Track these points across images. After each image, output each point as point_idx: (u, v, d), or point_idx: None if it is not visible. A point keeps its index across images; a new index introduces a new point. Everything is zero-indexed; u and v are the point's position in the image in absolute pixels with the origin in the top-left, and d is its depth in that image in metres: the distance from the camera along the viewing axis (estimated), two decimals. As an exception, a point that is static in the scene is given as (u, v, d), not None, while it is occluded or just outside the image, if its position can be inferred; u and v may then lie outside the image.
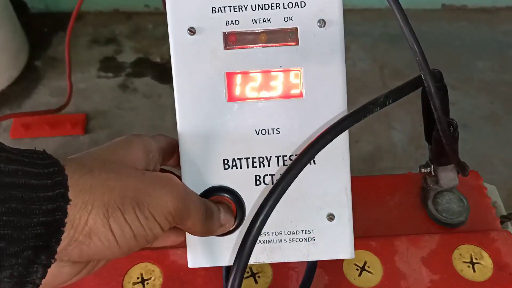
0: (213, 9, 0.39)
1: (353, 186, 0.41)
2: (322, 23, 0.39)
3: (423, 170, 0.48)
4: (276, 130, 0.40)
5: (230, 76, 0.40)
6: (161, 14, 1.52)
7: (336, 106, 0.40)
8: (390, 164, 1.16)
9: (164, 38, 1.46)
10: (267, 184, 0.40)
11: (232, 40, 0.40)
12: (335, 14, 0.39)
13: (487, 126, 1.28)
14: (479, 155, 1.21)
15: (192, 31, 0.39)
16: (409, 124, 1.28)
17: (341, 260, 0.48)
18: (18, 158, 0.27)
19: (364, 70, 1.38)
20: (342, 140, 0.39)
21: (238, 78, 0.40)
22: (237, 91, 0.40)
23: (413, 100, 1.30)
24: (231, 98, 0.40)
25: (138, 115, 1.30)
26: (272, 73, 0.40)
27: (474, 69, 1.39)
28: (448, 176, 0.47)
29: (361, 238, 0.47)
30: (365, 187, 0.53)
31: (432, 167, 0.48)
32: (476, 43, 1.45)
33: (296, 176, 0.34)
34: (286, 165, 0.40)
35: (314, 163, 0.40)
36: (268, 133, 0.40)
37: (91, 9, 1.45)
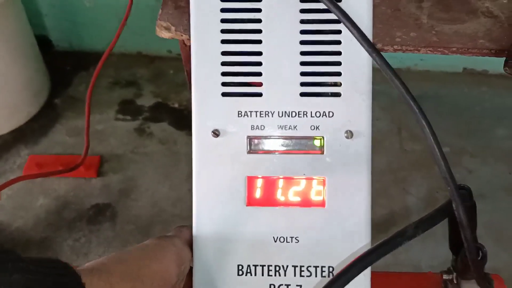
0: (239, 113, 0.39)
1: (371, 283, 0.39)
2: (349, 134, 0.38)
3: (445, 276, 0.47)
4: (295, 238, 0.39)
5: (251, 180, 0.39)
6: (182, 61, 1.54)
7: (359, 219, 0.39)
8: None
9: (183, 85, 1.47)
10: (282, 295, 0.39)
11: (256, 144, 0.39)
12: (363, 126, 0.39)
13: (505, 197, 1.25)
14: (497, 227, 1.18)
15: (216, 133, 0.39)
16: (425, 190, 1.26)
17: None
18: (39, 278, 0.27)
19: (381, 130, 1.36)
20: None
21: (259, 183, 0.39)
22: (258, 196, 0.39)
23: (430, 164, 1.27)
24: (250, 202, 0.39)
25: (152, 161, 1.30)
26: (295, 180, 0.39)
27: (494, 136, 1.37)
28: (471, 290, 0.45)
29: None
30: (383, 285, 0.52)
31: (454, 275, 0.46)
32: (496, 110, 1.43)
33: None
34: (303, 276, 0.39)
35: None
36: (287, 241, 0.39)
37: (115, 50, 1.46)
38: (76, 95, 1.46)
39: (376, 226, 1.17)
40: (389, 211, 1.19)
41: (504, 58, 0.46)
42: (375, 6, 0.38)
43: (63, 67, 1.52)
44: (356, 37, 0.35)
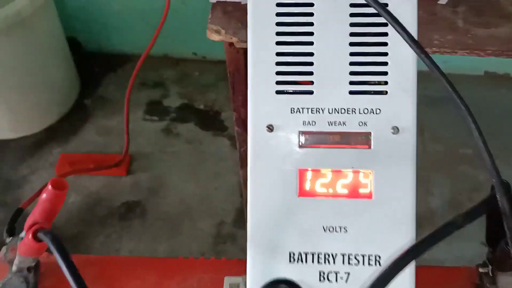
0: (292, 109, 0.42)
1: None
2: (395, 129, 0.41)
3: (481, 270, 0.49)
4: (344, 228, 0.42)
5: (302, 173, 0.42)
6: (207, 62, 1.57)
7: (405, 211, 0.41)
8: (427, 231, 1.15)
9: (208, 86, 1.50)
10: (331, 282, 0.41)
11: (307, 139, 0.42)
12: (408, 122, 0.41)
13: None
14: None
15: (270, 128, 0.41)
16: (448, 191, 1.27)
17: None
18: None
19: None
20: None
21: (310, 175, 0.42)
22: (308, 188, 0.42)
23: (452, 165, 1.28)
24: (302, 193, 0.42)
25: (179, 160, 1.33)
26: (343, 173, 0.42)
27: (516, 136, 1.38)
28: (508, 281, 0.47)
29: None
30: (418, 278, 0.54)
31: (490, 268, 0.48)
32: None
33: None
34: (351, 264, 0.41)
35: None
36: (336, 231, 0.42)
37: (141, 52, 1.51)
38: (105, 95, 1.50)
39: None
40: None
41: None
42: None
43: (92, 68, 1.57)
44: (405, 39, 0.37)
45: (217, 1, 0.44)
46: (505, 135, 1.40)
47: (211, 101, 1.47)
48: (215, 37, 0.53)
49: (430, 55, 0.37)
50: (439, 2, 0.43)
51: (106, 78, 1.55)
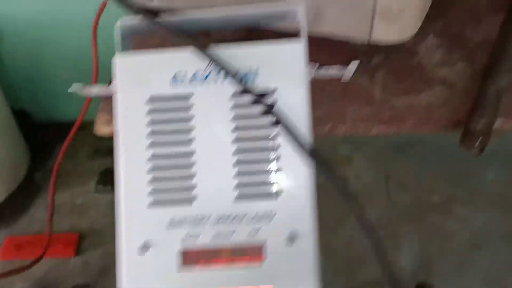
0: (170, 222, 0.35)
1: None
2: (292, 236, 0.35)
3: None
4: None
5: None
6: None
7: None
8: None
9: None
10: None
11: (190, 258, 0.35)
12: (306, 227, 0.35)
13: (502, 246, 1.20)
14: (496, 279, 1.12)
15: (145, 248, 0.35)
16: (418, 245, 1.21)
17: None
18: None
19: (367, 182, 1.33)
20: None
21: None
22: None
23: (421, 215, 1.21)
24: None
25: (134, 233, 1.25)
26: (238, 294, 0.35)
27: (483, 181, 1.33)
28: None
29: None
30: None
31: None
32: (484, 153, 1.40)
33: None
34: None
35: None
36: None
37: (94, 118, 1.45)
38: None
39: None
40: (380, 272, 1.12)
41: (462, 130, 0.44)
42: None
43: (43, 139, 1.50)
44: (295, 144, 0.32)
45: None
46: (474, 178, 1.35)
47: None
48: (104, 130, 0.47)
49: (338, 136, 0.31)
50: (343, 80, 0.38)
51: (57, 149, 1.48)
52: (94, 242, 1.23)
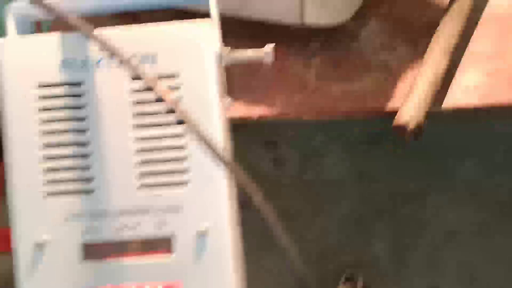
0: (69, 215, 0.33)
1: None
2: (203, 230, 0.33)
3: None
4: None
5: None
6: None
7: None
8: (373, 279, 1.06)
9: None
10: None
11: (92, 251, 0.33)
12: (219, 218, 0.33)
13: (475, 235, 1.18)
14: (469, 267, 1.11)
15: (40, 244, 0.33)
16: (392, 236, 1.19)
17: None
18: None
19: (340, 175, 1.31)
20: None
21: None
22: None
23: (395, 208, 1.20)
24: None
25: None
26: (143, 290, 0.33)
27: (457, 174, 1.32)
28: None
29: None
30: None
31: None
32: (456, 147, 1.39)
33: None
34: None
35: None
36: None
37: None
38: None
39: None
40: (356, 261, 1.11)
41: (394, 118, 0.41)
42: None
43: None
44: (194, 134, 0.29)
45: None
46: (448, 171, 1.34)
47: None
48: None
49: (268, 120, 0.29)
50: (264, 62, 0.36)
51: None
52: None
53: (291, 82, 0.45)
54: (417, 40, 0.50)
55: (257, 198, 0.27)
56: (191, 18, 0.36)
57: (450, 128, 1.40)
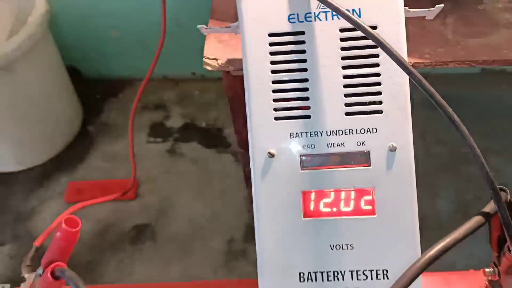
0: (291, 134, 0.43)
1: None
2: (392, 147, 0.42)
3: (488, 272, 0.50)
4: (350, 245, 0.43)
5: (306, 195, 0.43)
6: (206, 81, 1.59)
7: (407, 225, 0.42)
8: (437, 233, 1.16)
9: (208, 104, 1.52)
10: (342, 299, 0.43)
11: (308, 162, 0.43)
12: (404, 139, 0.42)
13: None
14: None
15: (271, 153, 0.43)
16: (453, 192, 1.28)
17: None
18: None
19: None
20: None
21: (313, 196, 0.43)
22: (313, 208, 0.43)
23: (457, 167, 1.29)
24: (307, 214, 0.43)
25: (186, 180, 1.35)
26: (346, 192, 0.43)
27: (516, 133, 1.39)
28: (513, 284, 0.48)
29: None
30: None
31: (497, 270, 0.49)
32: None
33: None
34: (360, 280, 0.43)
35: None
36: (342, 248, 0.43)
37: (141, 76, 1.53)
38: (108, 121, 1.52)
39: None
40: (421, 215, 1.20)
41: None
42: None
43: (93, 95, 1.59)
44: (394, 60, 0.39)
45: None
46: (507, 132, 1.41)
47: (212, 119, 1.49)
48: (212, 67, 0.54)
49: (419, 75, 0.38)
50: (427, 18, 0.45)
51: (108, 104, 1.57)
52: (150, 188, 1.33)
53: (433, 37, 0.54)
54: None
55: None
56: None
57: (510, 89, 1.46)
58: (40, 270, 0.50)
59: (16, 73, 1.22)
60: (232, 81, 0.57)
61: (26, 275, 0.54)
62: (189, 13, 1.38)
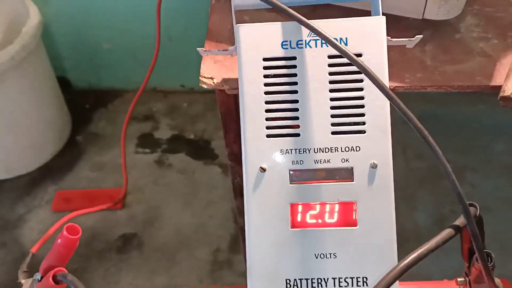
0: (281, 150, 0.47)
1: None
2: (374, 164, 0.46)
3: (460, 282, 0.54)
4: (333, 254, 0.46)
5: (294, 207, 0.47)
6: (195, 93, 1.63)
7: (386, 236, 0.46)
8: (415, 244, 1.20)
9: (197, 116, 1.56)
10: (325, 303, 0.46)
11: (296, 176, 0.47)
12: (385, 158, 0.46)
13: (508, 209, 1.32)
14: (501, 238, 1.25)
15: (263, 168, 0.46)
16: (432, 205, 1.33)
17: None
18: None
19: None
20: None
21: (301, 209, 0.47)
22: (300, 220, 0.47)
23: (435, 181, 1.34)
24: (294, 225, 0.47)
25: (173, 191, 1.37)
26: (330, 205, 0.47)
27: (493, 151, 1.45)
28: (483, 293, 0.52)
29: None
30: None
31: (468, 280, 0.53)
32: (494, 126, 1.52)
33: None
34: (342, 286, 0.46)
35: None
36: (326, 257, 0.46)
37: (132, 87, 1.56)
38: (97, 131, 1.54)
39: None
40: (400, 227, 1.25)
41: (499, 92, 0.55)
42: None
43: (83, 105, 1.61)
44: (376, 86, 0.43)
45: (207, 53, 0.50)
46: (484, 149, 1.47)
47: (200, 131, 1.52)
48: (208, 85, 0.58)
49: (398, 100, 0.42)
50: (407, 47, 0.49)
51: (97, 114, 1.59)
52: (138, 198, 1.35)
53: (413, 63, 0.58)
54: (506, 34, 0.63)
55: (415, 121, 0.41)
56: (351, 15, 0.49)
57: (488, 108, 1.53)
58: (38, 276, 0.52)
59: (7, 83, 1.24)
60: (225, 98, 0.60)
61: (23, 281, 0.56)
62: (180, 27, 1.42)
